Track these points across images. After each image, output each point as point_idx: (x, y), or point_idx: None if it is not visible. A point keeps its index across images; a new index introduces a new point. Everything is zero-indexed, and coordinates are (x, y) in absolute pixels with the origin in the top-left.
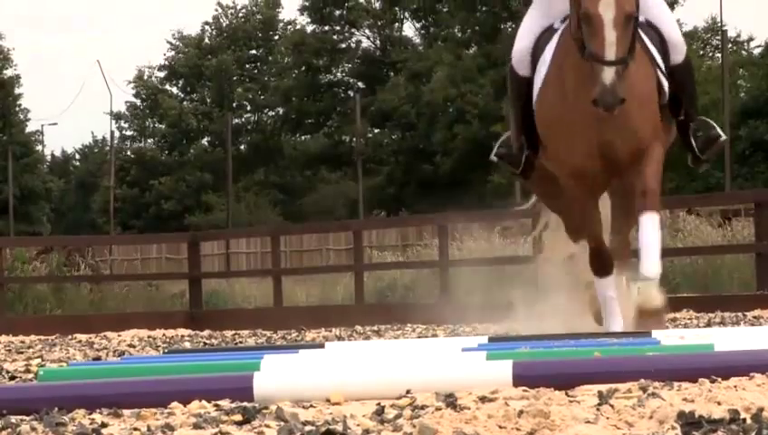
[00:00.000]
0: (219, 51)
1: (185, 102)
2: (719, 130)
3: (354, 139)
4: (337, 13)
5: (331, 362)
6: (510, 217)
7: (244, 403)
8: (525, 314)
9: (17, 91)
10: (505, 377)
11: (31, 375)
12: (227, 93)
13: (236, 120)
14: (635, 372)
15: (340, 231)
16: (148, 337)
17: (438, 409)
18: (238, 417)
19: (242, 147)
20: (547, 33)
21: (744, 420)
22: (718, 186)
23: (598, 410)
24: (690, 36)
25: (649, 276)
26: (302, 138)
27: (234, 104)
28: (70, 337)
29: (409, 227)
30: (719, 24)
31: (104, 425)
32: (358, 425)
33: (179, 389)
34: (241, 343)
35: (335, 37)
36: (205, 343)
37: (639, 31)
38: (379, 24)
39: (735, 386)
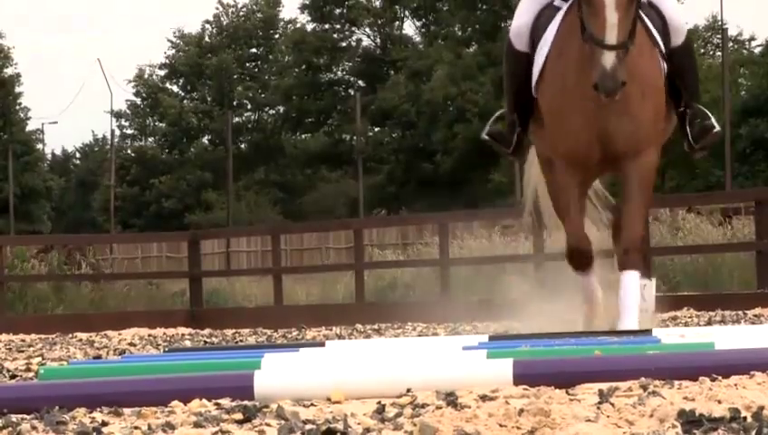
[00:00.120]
0: (220, 49)
1: (185, 101)
2: (714, 120)
3: (354, 137)
4: (337, 11)
5: (332, 361)
6: (510, 215)
7: (245, 402)
8: (526, 312)
9: (18, 89)
10: (506, 375)
11: (31, 374)
12: (228, 92)
13: (237, 119)
14: (635, 371)
15: (341, 230)
16: (149, 336)
17: (439, 407)
18: (239, 415)
19: (242, 145)
20: (548, 11)
21: (745, 418)
22: (719, 184)
23: (598, 408)
24: (691, 34)
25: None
26: (303, 136)
27: (234, 103)
28: (70, 336)
29: (410, 226)
30: (720, 23)
31: (105, 424)
32: (358, 424)
33: (180, 387)
34: (241, 341)
35: (335, 36)
36: (205, 342)
37: (641, 12)
38: (380, 22)
39: (736, 384)
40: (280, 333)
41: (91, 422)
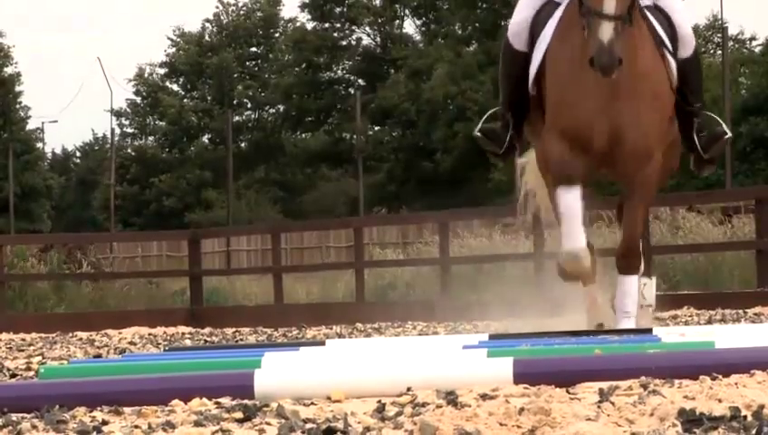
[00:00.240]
0: (220, 48)
1: (185, 100)
2: (724, 126)
3: (354, 136)
4: (337, 10)
5: (332, 360)
6: (510, 214)
7: (245, 401)
8: (526, 311)
9: (18, 88)
10: (506, 374)
11: (32, 373)
12: (228, 91)
13: (237, 118)
14: (636, 370)
15: (341, 228)
16: (149, 335)
17: (439, 406)
18: (239, 414)
19: (242, 144)
20: (548, 7)
21: (745, 417)
22: (719, 183)
23: (599, 407)
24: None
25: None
26: (303, 135)
27: (234, 102)
28: (71, 335)
29: (410, 225)
30: (720, 22)
31: (105, 423)
32: (359, 422)
33: (180, 386)
34: (242, 340)
35: (335, 35)
36: (205, 341)
37: (648, 14)
38: (380, 21)
39: (736, 383)
40: (280, 332)
41: (92, 421)
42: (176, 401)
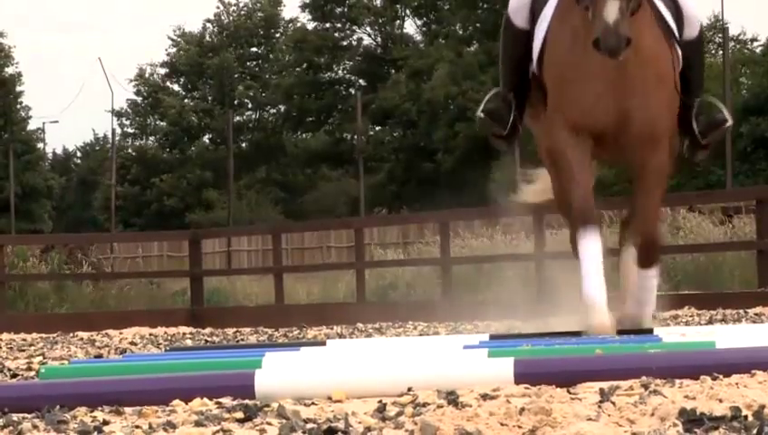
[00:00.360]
0: (221, 49)
1: (186, 100)
2: (726, 113)
3: (355, 136)
4: (338, 10)
5: (333, 360)
6: (511, 213)
7: (246, 401)
8: (527, 311)
9: (18, 88)
10: (507, 374)
11: (32, 373)
12: (228, 91)
13: (238, 118)
14: (636, 370)
15: (342, 229)
16: (150, 335)
17: (440, 406)
18: (240, 414)
19: (243, 145)
20: None
21: (746, 417)
22: (719, 183)
23: (599, 407)
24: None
25: (635, 318)
26: (304, 135)
27: (235, 102)
28: (71, 335)
29: (411, 225)
30: (721, 22)
31: (106, 423)
32: (359, 423)
33: (181, 386)
34: (242, 340)
35: (336, 35)
36: (206, 341)
37: None
38: (380, 21)
39: (737, 383)
40: (281, 332)
41: (92, 421)
42: (177, 401)
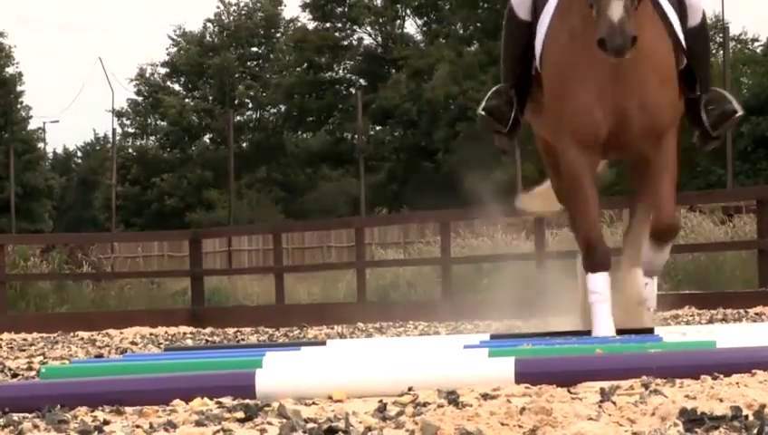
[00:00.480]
0: (221, 48)
1: (186, 100)
2: (735, 103)
3: (356, 136)
4: (339, 10)
5: (333, 360)
6: (512, 213)
7: (247, 401)
8: (527, 310)
9: (19, 88)
10: (507, 374)
11: (33, 373)
12: (229, 91)
13: (238, 118)
14: (637, 369)
15: (342, 228)
16: (151, 335)
17: (440, 406)
18: (240, 414)
19: (243, 144)
20: None
21: (747, 416)
22: (720, 182)
23: (600, 407)
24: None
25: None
26: (304, 135)
27: (235, 102)
28: (72, 334)
29: (411, 225)
30: (722, 22)
31: (106, 422)
32: (360, 422)
33: (181, 386)
34: (243, 340)
35: (337, 34)
36: (207, 341)
37: None
38: (381, 21)
39: (737, 383)
40: (281, 332)
41: (93, 421)
42: (177, 401)
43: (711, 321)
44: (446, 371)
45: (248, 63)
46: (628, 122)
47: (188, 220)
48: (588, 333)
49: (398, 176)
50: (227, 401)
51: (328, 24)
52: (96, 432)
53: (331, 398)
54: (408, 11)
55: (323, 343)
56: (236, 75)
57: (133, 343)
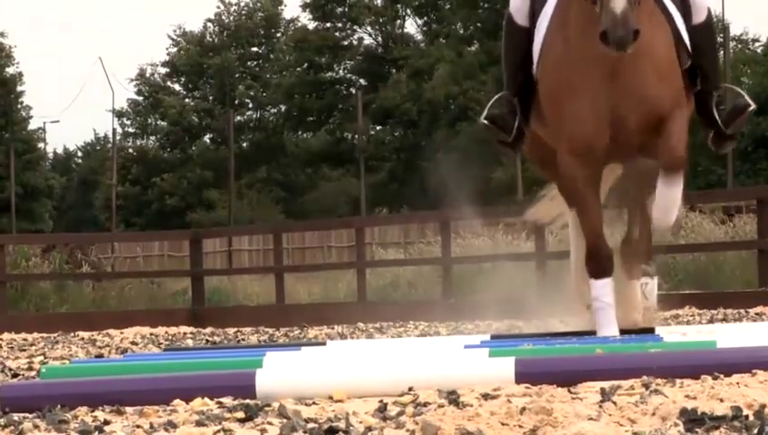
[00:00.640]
0: (221, 48)
1: (187, 100)
2: (747, 97)
3: (356, 136)
4: (339, 10)
5: (334, 360)
6: (512, 213)
7: (247, 401)
8: (528, 310)
9: (19, 88)
10: (508, 374)
11: (33, 373)
12: (229, 91)
13: (238, 118)
14: (637, 369)
15: (342, 228)
16: (151, 335)
17: (441, 406)
18: (241, 414)
19: (244, 144)
20: None
21: (747, 416)
22: (720, 182)
23: (600, 407)
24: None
25: (661, 224)
26: (304, 135)
27: (236, 102)
28: (72, 334)
29: (411, 224)
30: (722, 22)
31: (107, 422)
32: (360, 422)
33: (182, 386)
34: (243, 340)
35: (337, 34)
36: (207, 341)
37: None
38: (381, 21)
39: (738, 383)
40: (282, 332)
41: (93, 421)
42: (177, 401)
43: (711, 321)
44: (447, 371)
45: (248, 63)
46: (628, 125)
47: (189, 220)
48: (589, 333)
49: (398, 176)
50: (228, 401)
51: (328, 24)
52: (96, 432)
53: (331, 398)
54: (409, 11)
55: (323, 344)
56: (237, 75)
57: (133, 343)
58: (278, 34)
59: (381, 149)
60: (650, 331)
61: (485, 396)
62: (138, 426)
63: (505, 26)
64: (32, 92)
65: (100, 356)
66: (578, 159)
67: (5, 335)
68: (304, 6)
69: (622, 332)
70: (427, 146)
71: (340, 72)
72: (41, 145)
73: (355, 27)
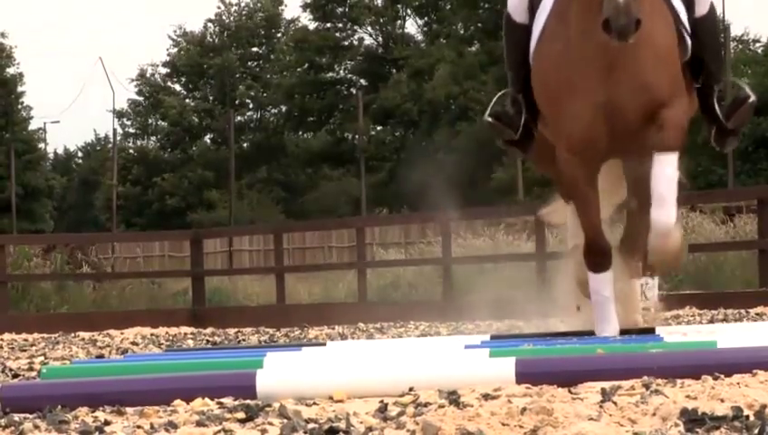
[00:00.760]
0: (222, 48)
1: (187, 100)
2: (748, 89)
3: (356, 136)
4: (339, 10)
5: (334, 360)
6: (513, 213)
7: (247, 401)
8: (528, 311)
9: (20, 89)
10: (508, 374)
11: (34, 373)
12: (230, 91)
13: (239, 118)
14: (638, 369)
15: (343, 228)
16: (151, 335)
17: (441, 406)
18: (241, 414)
19: (244, 144)
20: None
21: (747, 416)
22: (721, 182)
23: (601, 407)
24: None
25: (662, 226)
26: (305, 135)
27: (236, 102)
28: (73, 335)
29: (412, 225)
30: (723, 22)
31: (107, 423)
32: (361, 423)
33: (182, 387)
34: (244, 340)
35: (337, 35)
36: (208, 341)
37: None
38: (382, 21)
39: (738, 383)
40: (282, 332)
41: (94, 421)
42: (178, 402)
43: (712, 321)
44: (447, 371)
45: (249, 64)
46: (626, 115)
47: (189, 220)
48: (589, 333)
49: (398, 176)
50: (228, 401)
51: (328, 25)
52: (97, 433)
53: (331, 398)
54: (409, 11)
55: (324, 344)
56: (237, 75)
57: (134, 343)
58: (278, 35)
59: (382, 150)
60: (651, 331)
61: (486, 396)
62: (138, 426)
63: (504, 25)
64: (32, 93)
65: (100, 356)
66: (576, 157)
67: (6, 335)
68: (305, 6)
69: (622, 332)
70: (428, 146)
71: (341, 72)
72: (41, 145)
73: (355, 27)
